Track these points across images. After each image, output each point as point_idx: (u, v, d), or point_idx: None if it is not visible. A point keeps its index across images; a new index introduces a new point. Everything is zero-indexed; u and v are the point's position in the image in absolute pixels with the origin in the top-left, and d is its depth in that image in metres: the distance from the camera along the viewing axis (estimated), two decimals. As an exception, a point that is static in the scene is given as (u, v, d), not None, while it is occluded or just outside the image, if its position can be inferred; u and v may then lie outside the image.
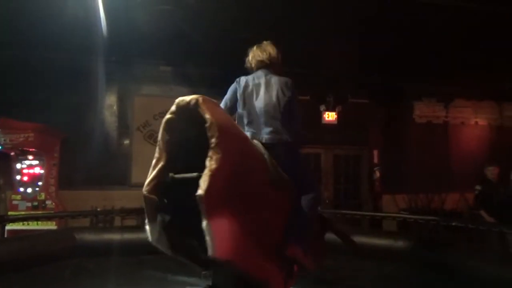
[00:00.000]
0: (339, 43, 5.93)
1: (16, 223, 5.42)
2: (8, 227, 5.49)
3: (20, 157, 6.15)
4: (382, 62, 6.92)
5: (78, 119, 6.73)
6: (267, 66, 3.00)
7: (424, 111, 8.73)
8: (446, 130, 8.76)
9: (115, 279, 3.54)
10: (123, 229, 5.05)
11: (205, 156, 2.30)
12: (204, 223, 2.15)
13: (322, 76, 7.39)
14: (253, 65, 3.04)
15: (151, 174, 2.32)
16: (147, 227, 2.34)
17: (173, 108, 2.36)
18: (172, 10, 5.37)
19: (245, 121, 2.83)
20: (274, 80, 2.89)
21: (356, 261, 4.18)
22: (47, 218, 5.53)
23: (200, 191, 2.19)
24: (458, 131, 8.81)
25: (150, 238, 2.33)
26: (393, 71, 7.38)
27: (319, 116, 7.83)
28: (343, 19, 5.64)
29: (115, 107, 7.34)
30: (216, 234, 2.17)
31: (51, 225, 5.79)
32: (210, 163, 2.27)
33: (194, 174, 2.34)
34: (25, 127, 5.83)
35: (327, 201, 7.85)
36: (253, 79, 2.92)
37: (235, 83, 2.93)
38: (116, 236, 4.57)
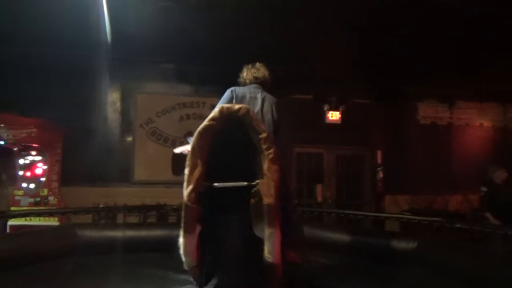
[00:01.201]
0: (343, 42, 5.89)
1: (18, 219, 5.42)
2: (10, 222, 5.53)
3: (22, 153, 6.15)
4: (386, 62, 6.89)
5: (81, 116, 6.73)
6: (261, 83, 3.22)
7: (428, 112, 8.69)
8: (450, 131, 8.72)
9: (116, 276, 3.53)
10: (125, 226, 5.04)
11: (244, 165, 2.43)
12: (270, 231, 2.30)
13: (325, 75, 7.36)
14: (247, 80, 3.24)
15: (191, 183, 2.28)
16: (182, 239, 2.29)
17: (215, 115, 2.36)
18: (175, 8, 5.36)
19: None
20: (268, 98, 3.12)
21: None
22: (49, 214, 5.53)
23: (269, 200, 2.30)
24: (463, 132, 8.77)
25: (182, 251, 2.29)
26: (397, 72, 7.35)
27: (323, 115, 7.80)
28: (347, 19, 5.62)
29: (118, 104, 7.35)
30: (277, 241, 2.32)
31: (53, 221, 5.80)
32: (271, 173, 2.38)
33: (243, 183, 2.43)
34: (28, 123, 5.83)
35: (329, 201, 7.83)
36: (250, 92, 3.07)
37: (230, 92, 3.02)
38: (118, 233, 4.55)
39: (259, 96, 3.07)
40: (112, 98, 7.30)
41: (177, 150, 2.92)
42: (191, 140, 2.81)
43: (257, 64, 3.33)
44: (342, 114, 7.82)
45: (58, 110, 6.26)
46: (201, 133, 2.32)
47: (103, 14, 5.33)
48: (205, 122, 2.35)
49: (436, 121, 8.70)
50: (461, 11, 5.38)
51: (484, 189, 5.30)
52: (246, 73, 3.27)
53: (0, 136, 5.76)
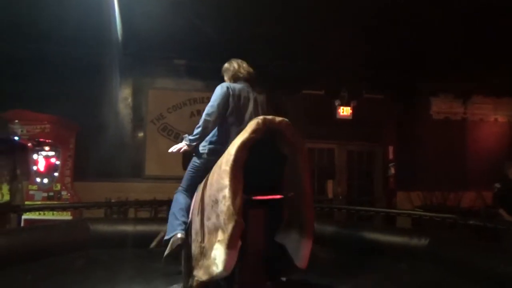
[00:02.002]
0: (355, 37, 5.83)
1: (32, 213, 5.53)
2: (25, 216, 5.64)
3: (36, 148, 6.25)
4: (398, 56, 6.80)
5: (93, 112, 6.80)
6: (253, 80, 3.16)
7: (442, 107, 8.55)
8: (464, 127, 8.57)
9: (127, 270, 3.57)
10: (137, 220, 5.09)
11: (274, 176, 2.54)
12: (306, 240, 2.51)
13: (337, 70, 7.30)
14: (241, 75, 3.12)
15: (237, 197, 2.24)
16: (224, 256, 2.20)
17: (257, 127, 2.34)
18: (186, 4, 5.36)
19: (235, 130, 2.85)
20: (260, 98, 3.11)
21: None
22: (62, 208, 5.61)
23: (306, 212, 2.49)
24: (477, 128, 8.61)
25: (221, 267, 2.22)
26: (410, 66, 7.25)
27: (334, 111, 7.75)
28: (359, 13, 5.55)
29: (129, 100, 7.40)
30: (308, 250, 2.52)
31: (66, 216, 5.89)
32: (306, 186, 2.55)
33: (277, 196, 2.55)
34: (42, 119, 5.92)
35: (340, 197, 7.79)
36: (243, 91, 3.02)
37: (226, 89, 2.93)
38: (129, 228, 4.60)
39: (251, 96, 3.04)
40: (124, 94, 7.36)
41: (172, 149, 2.90)
42: (187, 139, 2.85)
43: (242, 61, 3.25)
44: (353, 109, 7.76)
45: (71, 106, 6.34)
46: (245, 145, 2.28)
47: (114, 12, 5.36)
48: (249, 134, 2.32)
49: (449, 117, 8.56)
50: (476, 4, 5.28)
51: (497, 185, 5.21)
52: (241, 67, 3.16)
53: (14, 131, 5.86)
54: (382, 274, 3.75)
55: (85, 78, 6.67)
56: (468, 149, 8.42)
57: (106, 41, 6.00)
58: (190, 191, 3.05)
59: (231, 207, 2.20)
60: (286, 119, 2.47)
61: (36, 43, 6.29)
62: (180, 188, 3.12)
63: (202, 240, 2.59)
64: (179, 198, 3.04)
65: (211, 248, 2.39)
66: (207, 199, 2.56)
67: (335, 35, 5.97)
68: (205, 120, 2.83)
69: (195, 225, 2.75)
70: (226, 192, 2.23)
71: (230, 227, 2.21)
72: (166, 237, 2.88)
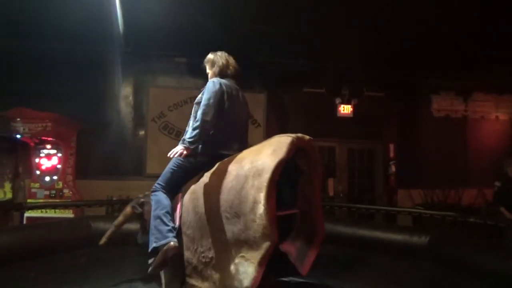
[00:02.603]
0: (355, 35, 5.83)
1: (34, 211, 5.57)
2: (27, 214, 5.66)
3: (38, 146, 6.28)
4: (399, 54, 6.79)
5: (94, 110, 6.83)
6: (239, 77, 3.05)
7: (442, 104, 8.54)
8: (465, 124, 8.57)
9: (129, 268, 3.58)
10: (138, 218, 5.09)
11: (291, 190, 2.64)
12: (314, 250, 2.65)
13: (337, 68, 7.30)
14: (229, 72, 3.00)
15: (272, 216, 2.22)
16: (255, 274, 2.18)
17: (292, 146, 2.36)
18: (188, 1, 5.37)
19: (228, 129, 2.82)
20: (243, 96, 3.01)
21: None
22: (64, 206, 5.64)
23: (319, 225, 2.66)
24: (478, 125, 8.61)
25: (247, 283, 2.19)
26: (411, 64, 7.25)
27: (334, 109, 7.76)
28: (359, 11, 5.54)
29: (130, 98, 7.41)
30: (313, 258, 2.66)
31: (68, 213, 5.91)
32: (319, 199, 2.70)
33: (294, 210, 2.68)
34: (43, 117, 5.94)
35: (341, 195, 7.80)
36: (233, 89, 2.91)
37: (219, 85, 2.79)
38: (131, 226, 4.61)
39: (240, 94, 2.96)
40: (125, 92, 7.37)
41: (171, 154, 2.67)
42: (185, 142, 2.63)
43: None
44: (354, 107, 7.76)
45: (72, 104, 6.36)
46: (281, 164, 2.28)
47: (116, 10, 5.37)
48: (285, 153, 2.30)
49: (450, 114, 8.56)
50: (476, 1, 5.27)
51: (497, 184, 5.21)
52: (229, 63, 3.01)
53: (16, 130, 5.88)
54: (383, 272, 3.77)
55: (87, 76, 6.69)
56: (469, 146, 8.42)
57: (108, 39, 6.02)
58: (171, 192, 2.82)
59: (268, 226, 2.16)
60: (310, 138, 2.54)
61: (37, 42, 6.30)
62: (158, 186, 2.83)
63: (208, 250, 2.53)
64: (162, 199, 2.75)
65: (229, 261, 2.35)
66: (214, 208, 2.48)
67: (336, 33, 5.98)
68: (202, 121, 2.63)
69: (191, 232, 2.68)
70: (261, 210, 2.18)
71: (265, 246, 2.18)
72: (154, 245, 2.61)
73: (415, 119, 8.23)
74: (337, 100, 7.74)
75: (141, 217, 3.28)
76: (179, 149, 2.64)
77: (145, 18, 5.53)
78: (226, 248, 2.41)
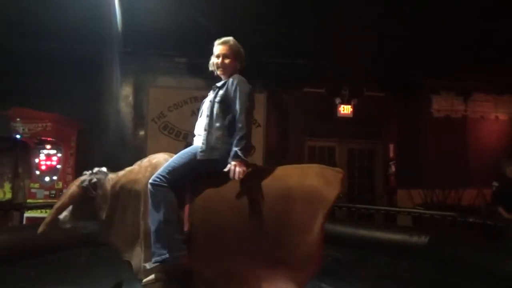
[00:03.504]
0: (355, 35, 5.83)
1: (34, 211, 5.57)
2: (27, 214, 5.66)
3: (38, 146, 6.27)
4: (399, 54, 6.79)
5: (94, 110, 6.81)
6: None
7: (442, 105, 8.54)
8: (465, 124, 8.56)
9: (128, 267, 3.58)
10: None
11: None
12: None
13: (338, 68, 7.31)
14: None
15: (321, 244, 2.33)
16: None
17: (343, 183, 2.50)
18: (188, 1, 5.37)
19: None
20: None
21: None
22: (64, 206, 5.62)
23: None
24: (478, 125, 8.60)
25: None
26: (411, 64, 7.25)
27: (335, 109, 7.76)
28: (360, 11, 5.55)
29: (130, 98, 7.41)
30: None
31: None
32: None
33: None
34: (43, 117, 5.94)
35: (341, 195, 7.79)
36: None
37: (250, 87, 2.57)
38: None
39: None
40: (125, 92, 7.36)
41: (234, 176, 2.35)
42: (239, 156, 2.34)
43: None
44: (354, 107, 7.76)
45: (72, 104, 6.34)
46: (337, 198, 2.46)
47: (116, 9, 5.37)
48: (339, 190, 2.47)
49: (450, 114, 8.56)
50: (477, 1, 5.27)
51: (495, 184, 5.21)
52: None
53: (16, 130, 5.88)
54: (382, 272, 3.77)
55: (87, 76, 6.67)
56: (469, 147, 8.41)
57: (108, 39, 6.02)
58: (175, 190, 2.42)
59: (317, 255, 2.28)
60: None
61: (37, 41, 6.30)
62: (162, 178, 2.40)
63: (228, 263, 2.39)
64: (172, 200, 2.38)
65: (260, 279, 2.32)
66: (241, 220, 2.34)
67: (336, 33, 5.98)
68: (249, 129, 2.42)
69: (203, 243, 2.43)
70: (314, 238, 2.27)
71: (310, 269, 2.32)
72: (163, 257, 2.26)
73: (415, 119, 8.22)
74: (337, 100, 7.74)
75: (92, 202, 2.73)
76: (239, 169, 2.31)
77: (145, 18, 5.53)
78: (254, 264, 2.35)
